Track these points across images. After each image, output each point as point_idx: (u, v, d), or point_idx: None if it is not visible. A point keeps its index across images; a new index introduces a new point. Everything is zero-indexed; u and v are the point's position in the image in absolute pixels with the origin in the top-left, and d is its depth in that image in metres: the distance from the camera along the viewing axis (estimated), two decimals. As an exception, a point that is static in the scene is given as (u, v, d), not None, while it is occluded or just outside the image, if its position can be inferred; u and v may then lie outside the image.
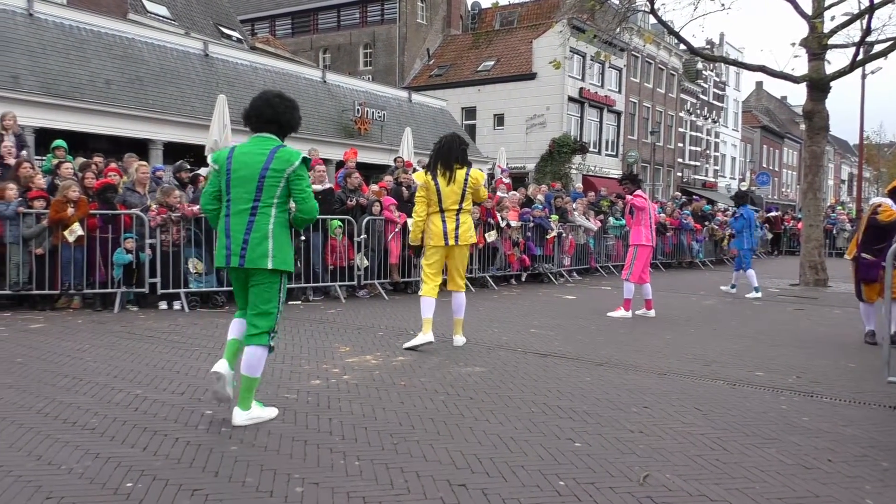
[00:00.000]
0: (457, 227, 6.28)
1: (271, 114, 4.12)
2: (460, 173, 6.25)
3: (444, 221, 6.27)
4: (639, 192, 9.10)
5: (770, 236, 25.63)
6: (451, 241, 6.29)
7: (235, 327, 4.18)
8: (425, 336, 6.26)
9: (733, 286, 12.27)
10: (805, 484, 3.38)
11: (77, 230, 8.00)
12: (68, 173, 8.85)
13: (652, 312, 9.09)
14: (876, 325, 7.34)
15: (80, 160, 10.27)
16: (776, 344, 7.30)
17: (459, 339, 6.60)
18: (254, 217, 3.96)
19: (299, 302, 9.56)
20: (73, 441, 3.68)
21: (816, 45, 13.83)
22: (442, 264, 6.46)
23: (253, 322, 4.03)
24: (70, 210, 7.94)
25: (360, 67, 36.64)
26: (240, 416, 4.02)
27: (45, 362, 5.50)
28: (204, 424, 4.01)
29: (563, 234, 13.58)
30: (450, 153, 6.28)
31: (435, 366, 5.71)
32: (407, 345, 6.32)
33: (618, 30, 15.91)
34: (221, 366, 4.02)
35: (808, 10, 13.99)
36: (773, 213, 28.35)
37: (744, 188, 52.49)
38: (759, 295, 11.70)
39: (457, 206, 6.27)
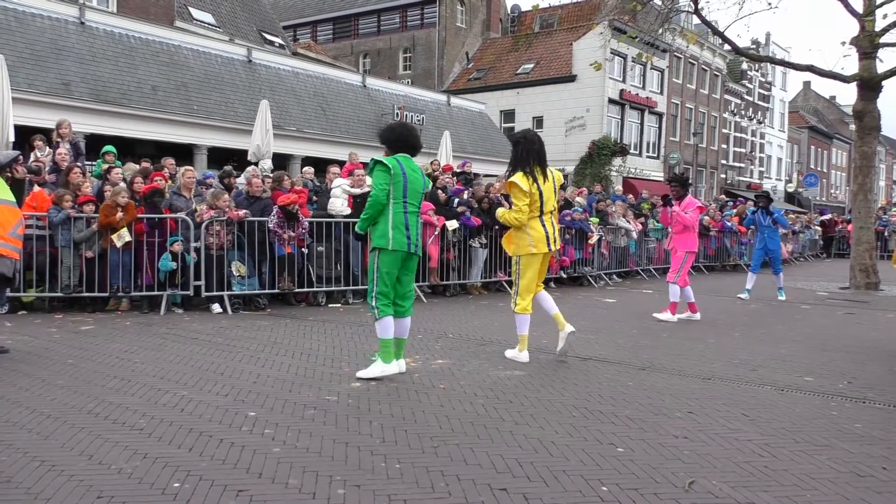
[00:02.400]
0: (555, 231, 6.03)
1: (416, 141, 5.50)
2: (549, 172, 5.97)
3: (543, 225, 5.92)
4: (689, 197, 9.08)
5: (817, 236, 25.12)
6: (553, 246, 6.00)
7: (395, 327, 5.29)
8: (523, 354, 6.02)
9: (780, 289, 11.82)
10: (858, 493, 3.28)
11: (125, 236, 8.19)
12: (118, 178, 9.08)
13: (697, 315, 8.97)
14: None
15: (130, 164, 10.54)
16: (826, 349, 7.11)
17: (570, 327, 6.25)
18: (418, 219, 5.41)
19: (339, 305, 9.63)
20: (122, 441, 3.76)
21: (868, 44, 13.47)
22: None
23: (409, 299, 5.43)
24: (119, 214, 8.14)
25: (399, 72, 36.83)
26: (402, 363, 5.45)
27: (95, 363, 5.65)
28: (248, 426, 4.07)
29: (602, 237, 13.45)
30: (542, 151, 5.92)
31: (474, 369, 5.70)
32: (520, 359, 6.07)
33: (660, 31, 15.69)
34: (402, 365, 5.42)
35: (859, 9, 13.63)
36: (827, 216, 27.79)
37: (790, 189, 51.41)
38: (743, 297, 11.49)
39: (552, 208, 6.01)
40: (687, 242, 9.00)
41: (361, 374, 5.26)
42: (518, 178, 5.82)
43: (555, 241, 6.00)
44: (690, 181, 9.68)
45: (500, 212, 6.23)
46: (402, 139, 5.43)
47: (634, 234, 14.70)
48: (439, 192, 11.27)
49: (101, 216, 8.14)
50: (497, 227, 11.41)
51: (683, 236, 9.02)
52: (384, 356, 5.25)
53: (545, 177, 5.89)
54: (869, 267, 13.81)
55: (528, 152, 5.85)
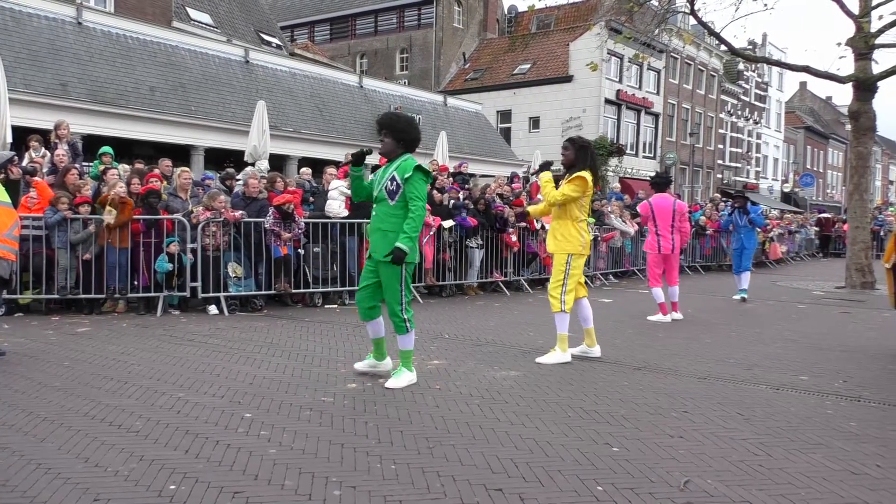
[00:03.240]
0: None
1: None
2: None
3: (588, 228, 6.15)
4: (657, 196, 9.07)
5: (812, 235, 25.27)
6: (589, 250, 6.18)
7: (376, 328, 5.34)
8: (567, 354, 6.08)
9: (742, 290, 11.31)
10: (853, 490, 3.30)
11: (112, 211, 8.14)
12: (114, 179, 9.06)
13: (677, 315, 8.99)
14: None
15: (125, 166, 10.52)
16: (821, 348, 7.13)
17: (598, 350, 6.38)
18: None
19: (335, 305, 9.64)
20: (118, 444, 3.76)
21: (863, 45, 13.51)
22: None
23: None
24: (112, 194, 8.13)
25: (396, 72, 36.83)
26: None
27: (91, 365, 5.64)
28: (244, 427, 4.07)
29: (599, 237, 13.47)
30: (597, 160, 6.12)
31: (470, 370, 5.71)
32: (564, 359, 6.10)
33: (657, 31, 15.72)
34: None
35: (855, 10, 13.68)
36: (825, 215, 27.93)
37: (787, 189, 51.50)
38: (738, 297, 11.20)
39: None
40: (645, 242, 9.11)
41: (391, 384, 5.02)
42: (587, 174, 5.97)
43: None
44: (666, 179, 9.48)
45: (544, 176, 6.20)
46: (419, 139, 5.13)
47: (632, 232, 14.71)
48: (435, 192, 11.28)
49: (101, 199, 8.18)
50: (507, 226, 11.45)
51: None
52: (410, 365, 5.17)
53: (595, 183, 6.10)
54: (865, 266, 13.85)
55: (592, 157, 6.07)
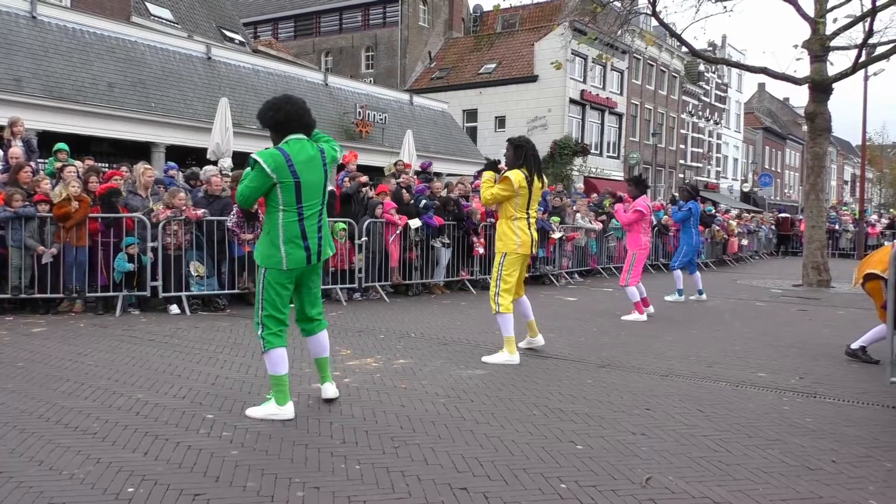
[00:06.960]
0: (536, 234, 6.18)
1: (300, 113, 4.25)
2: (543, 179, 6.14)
3: (530, 227, 6.05)
4: (643, 198, 9.09)
5: (771, 235, 25.86)
6: (534, 250, 6.15)
7: (286, 360, 4.32)
8: (514, 356, 5.99)
9: (680, 292, 10.95)
10: (808, 485, 3.37)
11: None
12: (72, 176, 8.85)
13: (643, 315, 9.03)
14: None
15: (78, 163, 10.28)
16: (779, 345, 7.28)
17: (541, 339, 6.45)
18: (320, 217, 4.34)
19: (301, 305, 9.55)
20: (74, 446, 3.67)
21: (819, 47, 13.83)
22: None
23: (318, 314, 4.57)
24: (74, 204, 7.93)
25: (361, 70, 36.66)
26: (332, 389, 4.63)
27: (46, 366, 5.50)
28: (205, 429, 4.01)
29: (564, 236, 13.57)
30: (538, 157, 6.11)
31: (436, 369, 5.71)
32: (512, 361, 6.00)
33: (619, 32, 15.90)
34: (289, 410, 4.26)
35: (811, 13, 13.99)
36: (784, 215, 28.60)
37: (746, 189, 52.53)
38: (680, 298, 10.77)
39: (534, 214, 6.14)
40: (632, 242, 9.10)
41: (249, 411, 4.32)
42: (513, 173, 5.96)
43: (535, 245, 6.12)
44: (647, 182, 9.62)
45: (485, 175, 6.23)
46: (275, 117, 4.20)
47: (597, 231, 14.83)
48: (403, 191, 11.24)
49: (56, 209, 7.95)
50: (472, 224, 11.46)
51: (629, 236, 9.22)
52: (279, 396, 4.28)
53: (541, 182, 6.09)
54: (821, 265, 14.18)
55: (529, 157, 6.03)
